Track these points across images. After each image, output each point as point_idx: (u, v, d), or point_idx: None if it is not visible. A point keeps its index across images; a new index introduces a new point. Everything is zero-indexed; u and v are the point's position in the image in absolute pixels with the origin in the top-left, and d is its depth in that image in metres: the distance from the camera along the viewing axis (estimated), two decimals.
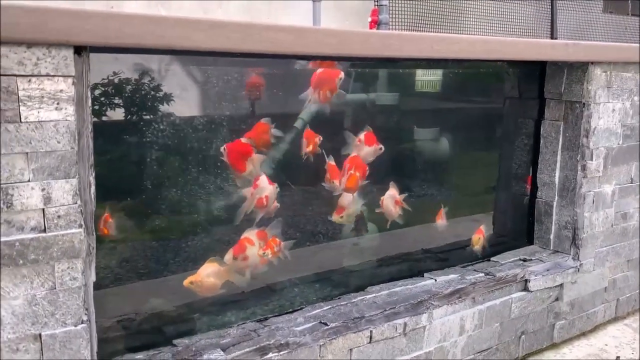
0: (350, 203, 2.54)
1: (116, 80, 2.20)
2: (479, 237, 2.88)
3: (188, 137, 2.41)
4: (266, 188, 2.24)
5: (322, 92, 2.27)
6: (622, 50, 2.82)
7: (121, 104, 2.25)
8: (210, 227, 2.56)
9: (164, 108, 2.31)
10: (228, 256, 2.09)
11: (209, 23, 1.57)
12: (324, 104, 2.31)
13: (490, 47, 2.35)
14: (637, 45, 2.84)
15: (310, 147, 2.41)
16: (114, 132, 2.21)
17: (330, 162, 2.46)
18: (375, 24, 4.85)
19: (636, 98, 2.94)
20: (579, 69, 2.74)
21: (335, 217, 2.54)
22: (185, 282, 2.00)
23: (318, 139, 2.43)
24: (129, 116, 2.31)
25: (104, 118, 2.17)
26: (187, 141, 2.41)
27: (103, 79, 2.14)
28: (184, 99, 2.37)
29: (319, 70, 2.31)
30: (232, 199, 2.41)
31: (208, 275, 2.01)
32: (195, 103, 2.50)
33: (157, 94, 2.30)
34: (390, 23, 4.88)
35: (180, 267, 2.50)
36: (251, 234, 2.17)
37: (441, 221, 2.86)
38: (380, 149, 2.50)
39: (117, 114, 2.24)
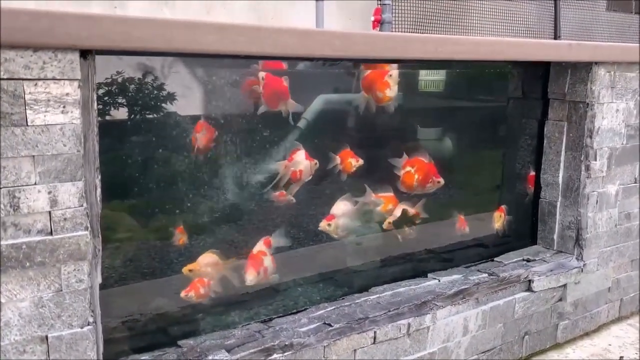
0: (344, 214, 2.37)
1: (120, 80, 2.19)
2: (500, 214, 2.89)
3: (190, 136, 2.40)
4: (301, 162, 2.23)
5: (374, 93, 2.28)
6: (627, 51, 2.82)
7: (125, 104, 2.25)
8: (220, 227, 2.55)
9: (168, 107, 2.31)
10: (251, 276, 2.09)
11: (216, 26, 1.58)
12: (383, 104, 2.31)
13: (495, 48, 2.35)
14: None
15: (343, 166, 2.42)
16: (120, 132, 2.22)
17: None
18: (378, 22, 4.85)
19: None
20: (582, 69, 2.74)
21: (322, 224, 2.35)
22: (185, 270, 2.02)
23: (356, 160, 2.40)
24: (134, 116, 2.31)
25: (107, 118, 2.17)
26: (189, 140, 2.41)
27: (107, 79, 2.14)
28: (186, 99, 2.37)
29: (368, 72, 2.32)
30: (245, 197, 2.43)
31: (206, 265, 2.03)
32: (200, 102, 2.50)
33: (161, 94, 2.30)
34: (393, 22, 4.88)
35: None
36: (261, 246, 2.17)
37: (461, 227, 2.86)
38: (439, 182, 2.49)
39: (120, 114, 2.24)
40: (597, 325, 3.07)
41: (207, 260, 2.04)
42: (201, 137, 2.17)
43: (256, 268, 2.13)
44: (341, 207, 2.37)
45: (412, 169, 2.44)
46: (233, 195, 2.47)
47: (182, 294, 2.01)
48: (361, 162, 2.43)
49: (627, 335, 3.02)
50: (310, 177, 2.27)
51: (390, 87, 2.32)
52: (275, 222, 2.70)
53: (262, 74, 2.14)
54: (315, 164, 2.27)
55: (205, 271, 2.03)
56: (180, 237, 2.19)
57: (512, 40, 2.51)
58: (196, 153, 2.20)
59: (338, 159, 2.42)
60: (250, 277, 2.10)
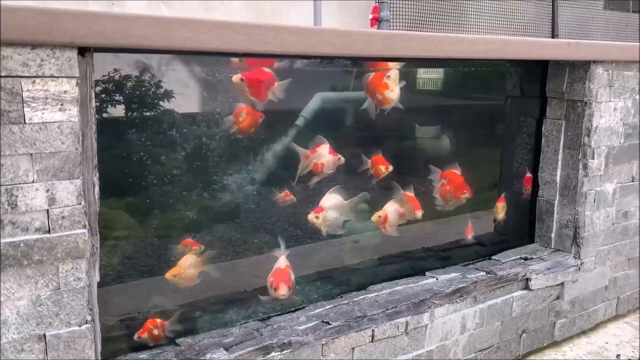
0: (333, 207, 2.29)
1: (117, 77, 2.18)
2: (503, 205, 2.92)
3: (193, 133, 2.39)
4: (324, 156, 2.25)
5: (375, 96, 2.28)
6: (625, 49, 2.82)
7: (124, 102, 2.24)
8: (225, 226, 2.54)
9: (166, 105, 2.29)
10: (283, 291, 2.08)
11: (215, 24, 1.57)
12: (385, 106, 2.32)
13: (493, 47, 2.35)
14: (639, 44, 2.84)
15: (373, 171, 2.49)
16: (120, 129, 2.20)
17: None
18: (377, 21, 4.85)
19: (637, 97, 2.94)
20: (580, 68, 2.74)
21: (310, 216, 2.28)
22: (168, 275, 2.00)
23: (386, 167, 2.47)
24: (135, 113, 2.30)
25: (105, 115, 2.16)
26: (193, 137, 2.39)
27: (104, 76, 2.13)
28: (182, 96, 2.35)
29: (371, 75, 2.32)
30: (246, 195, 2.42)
31: (189, 267, 2.02)
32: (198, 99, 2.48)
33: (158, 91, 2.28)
34: (392, 20, 4.87)
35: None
36: (285, 260, 2.20)
37: (469, 234, 2.88)
38: (465, 193, 2.59)
39: (121, 112, 2.23)
40: (594, 323, 3.07)
41: (189, 262, 2.03)
42: (243, 120, 2.18)
43: (287, 283, 2.13)
44: (331, 200, 2.31)
45: (445, 181, 2.58)
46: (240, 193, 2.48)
47: (136, 337, 1.92)
48: (391, 168, 2.49)
49: (624, 334, 3.03)
50: (332, 172, 2.28)
51: (389, 89, 2.32)
52: (273, 219, 2.70)
53: (237, 76, 2.08)
54: (339, 159, 2.28)
55: (189, 273, 2.02)
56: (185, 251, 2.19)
57: (511, 38, 2.51)
58: (239, 135, 2.23)
59: (369, 163, 2.48)
60: (283, 292, 2.09)
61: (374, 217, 2.49)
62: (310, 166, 2.25)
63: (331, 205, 2.29)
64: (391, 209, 2.50)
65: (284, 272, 2.16)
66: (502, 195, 2.96)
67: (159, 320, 1.95)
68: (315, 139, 2.29)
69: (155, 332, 1.93)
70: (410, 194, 2.52)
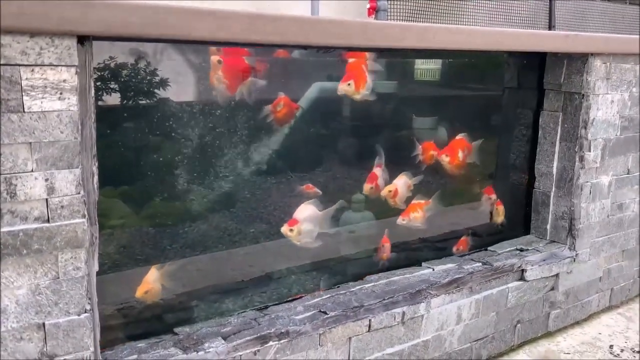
0: (307, 218, 2.22)
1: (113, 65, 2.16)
2: (500, 208, 2.97)
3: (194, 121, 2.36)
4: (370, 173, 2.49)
5: (354, 84, 2.29)
6: (623, 42, 2.82)
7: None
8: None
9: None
10: None
11: (216, 14, 1.56)
12: (355, 96, 2.34)
13: (491, 38, 2.35)
14: (638, 37, 2.84)
15: (424, 157, 2.63)
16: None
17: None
18: (374, 10, 4.83)
19: (635, 89, 2.95)
20: (578, 60, 2.74)
21: (284, 229, 2.19)
22: (139, 293, 1.97)
23: (434, 152, 2.61)
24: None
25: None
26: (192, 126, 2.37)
27: (99, 63, 2.10)
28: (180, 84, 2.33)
29: (350, 61, 2.33)
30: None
31: (155, 281, 2.02)
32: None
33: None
34: (389, 10, 4.86)
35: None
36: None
37: (461, 248, 2.90)
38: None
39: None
40: (587, 314, 3.10)
41: (154, 277, 2.02)
42: (280, 110, 2.22)
43: None
44: (305, 212, 2.23)
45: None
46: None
47: None
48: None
49: (617, 324, 3.06)
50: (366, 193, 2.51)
51: (362, 79, 2.32)
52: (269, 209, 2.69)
53: (216, 57, 2.02)
54: (371, 188, 2.47)
55: (156, 287, 2.01)
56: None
57: (509, 30, 2.51)
58: (275, 124, 2.29)
59: (420, 149, 2.60)
60: None
61: (384, 192, 2.56)
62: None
63: (306, 217, 2.23)
64: (400, 182, 2.55)
65: None
66: (499, 200, 2.98)
67: None
68: (379, 159, 2.54)
69: None
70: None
